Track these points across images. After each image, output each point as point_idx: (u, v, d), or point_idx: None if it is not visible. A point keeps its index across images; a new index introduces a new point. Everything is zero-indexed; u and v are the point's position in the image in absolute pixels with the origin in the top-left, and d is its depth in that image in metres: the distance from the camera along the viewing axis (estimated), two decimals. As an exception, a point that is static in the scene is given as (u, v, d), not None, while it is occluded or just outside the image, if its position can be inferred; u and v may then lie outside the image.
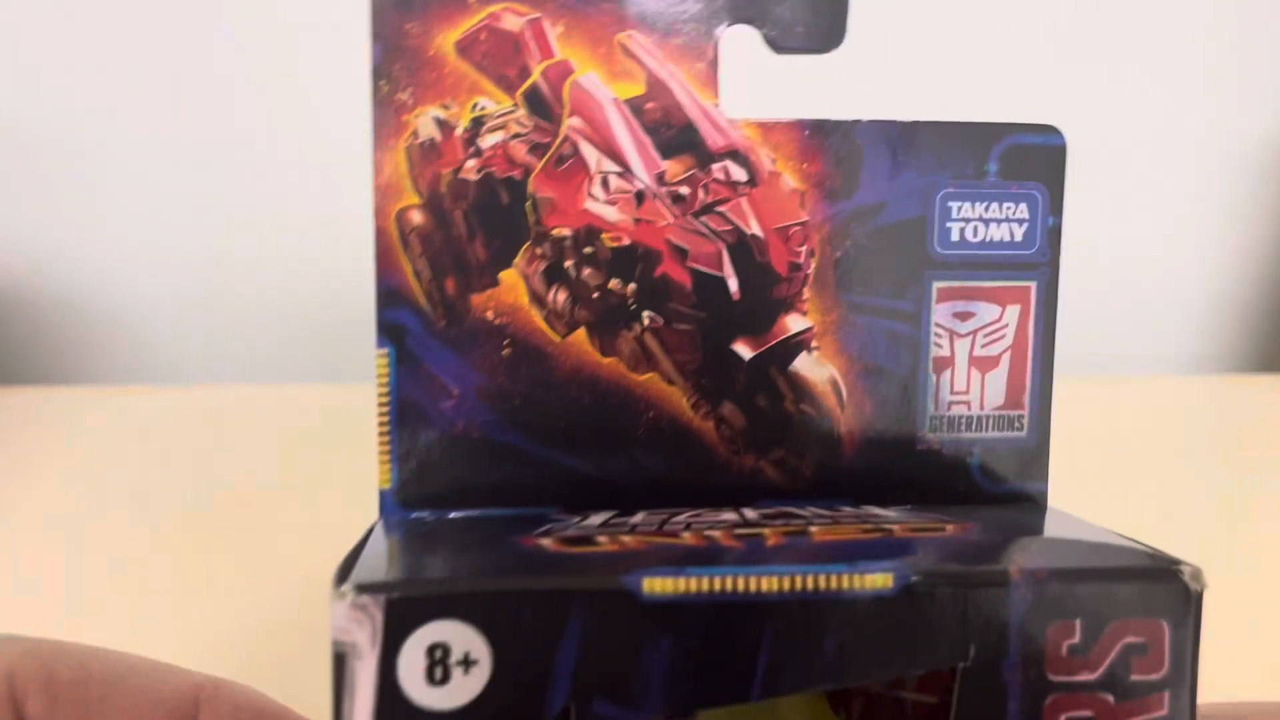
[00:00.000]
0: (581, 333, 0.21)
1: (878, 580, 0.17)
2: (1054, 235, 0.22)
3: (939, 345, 0.22)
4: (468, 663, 0.16)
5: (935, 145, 0.21)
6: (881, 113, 0.22)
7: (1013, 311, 0.22)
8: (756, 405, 0.22)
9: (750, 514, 0.20)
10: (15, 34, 0.53)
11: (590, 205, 0.21)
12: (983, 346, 0.22)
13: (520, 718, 0.16)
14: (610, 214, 0.21)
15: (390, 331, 0.21)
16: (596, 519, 0.20)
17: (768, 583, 0.16)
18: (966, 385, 0.22)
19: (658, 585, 0.16)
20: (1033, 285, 0.22)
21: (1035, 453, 0.23)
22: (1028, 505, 0.22)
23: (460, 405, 0.21)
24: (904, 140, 0.21)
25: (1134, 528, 0.40)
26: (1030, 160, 0.22)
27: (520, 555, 0.17)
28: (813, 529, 0.19)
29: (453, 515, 0.21)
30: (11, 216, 0.59)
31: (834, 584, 0.16)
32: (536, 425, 0.21)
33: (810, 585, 0.16)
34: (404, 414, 0.21)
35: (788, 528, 0.19)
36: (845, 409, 0.22)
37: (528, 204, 0.21)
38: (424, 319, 0.21)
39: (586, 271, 0.21)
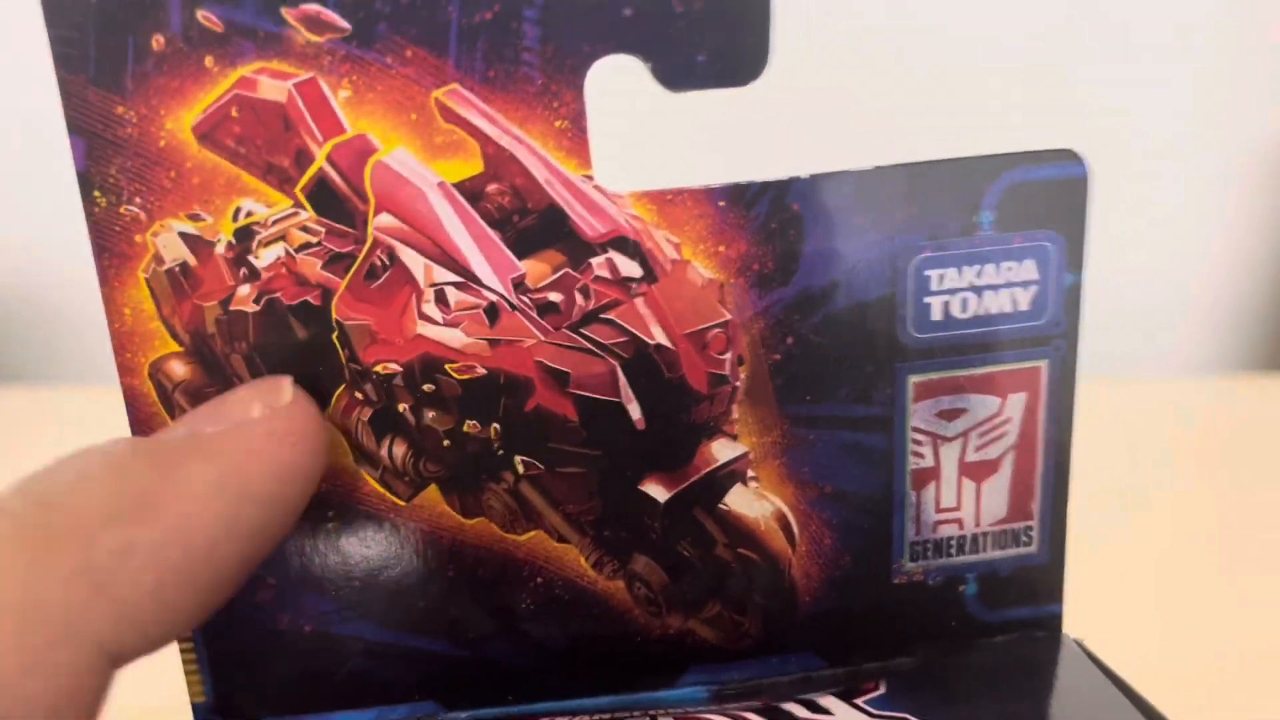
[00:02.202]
0: (433, 491, 0.17)
1: None
2: (1072, 298, 0.17)
3: (919, 455, 0.18)
4: None
5: (905, 196, 0.16)
6: (826, 162, 0.16)
7: (1016, 401, 0.18)
8: (680, 556, 0.18)
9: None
10: (15, 34, 0.48)
11: (424, 329, 0.16)
12: (977, 450, 0.18)
13: None
14: (453, 338, 0.16)
15: (169, 517, 0.16)
16: None
17: None
18: (957, 500, 0.18)
19: None
20: (1043, 365, 0.18)
21: (1048, 569, 0.19)
22: (1033, 647, 0.18)
23: (280, 597, 0.17)
24: (860, 195, 0.16)
25: (1134, 527, 0.39)
26: (1038, 201, 0.17)
27: None
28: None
29: None
30: (11, 215, 0.58)
31: None
32: (385, 610, 0.17)
33: None
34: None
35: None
36: (798, 548, 0.18)
37: (334, 335, 0.16)
38: (213, 497, 0.16)
39: (430, 415, 0.17)
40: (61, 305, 0.60)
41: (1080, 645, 0.19)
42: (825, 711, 0.18)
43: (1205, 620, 0.33)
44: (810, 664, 0.19)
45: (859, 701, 0.18)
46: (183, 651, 0.18)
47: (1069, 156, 0.17)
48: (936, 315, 0.18)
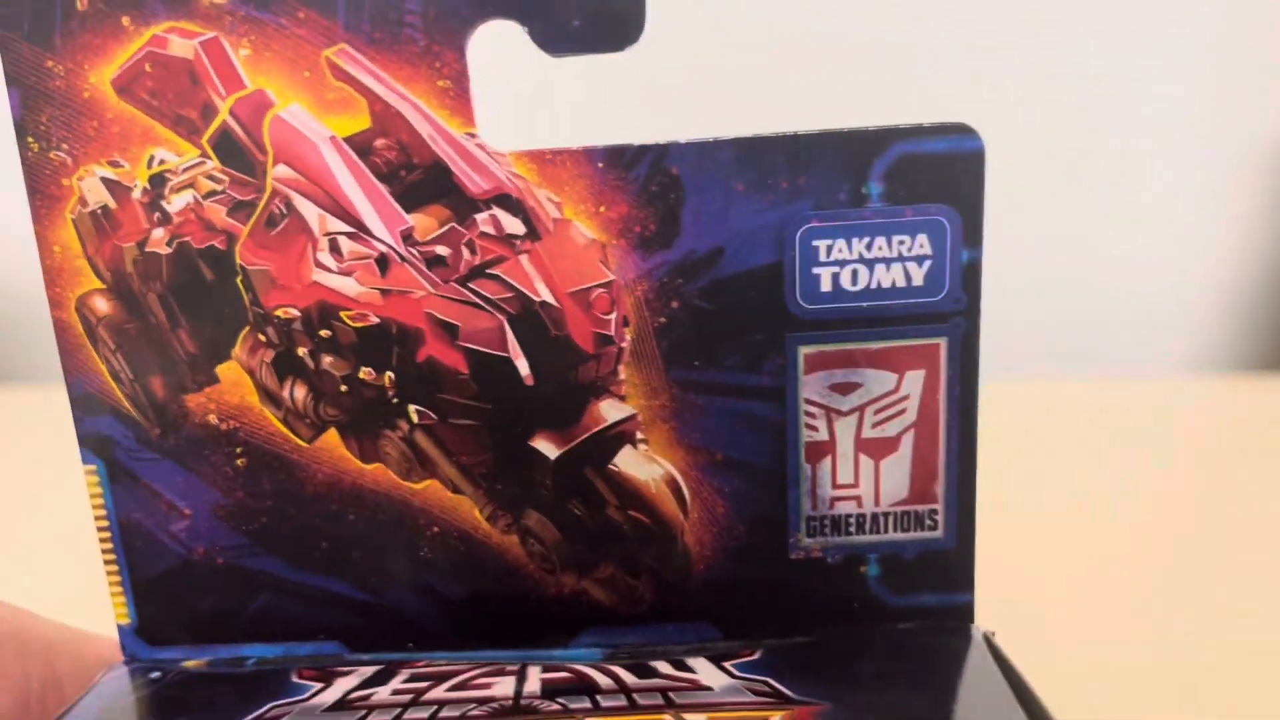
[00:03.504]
0: (332, 435, 0.18)
1: None
2: (971, 275, 0.17)
3: (813, 428, 0.18)
4: None
5: (788, 165, 0.17)
6: (706, 127, 0.17)
7: (914, 379, 0.18)
8: (571, 514, 0.18)
9: (533, 683, 0.17)
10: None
11: (320, 277, 0.17)
12: (874, 426, 0.18)
13: None
14: (348, 286, 0.17)
15: (94, 444, 0.18)
16: (337, 691, 0.17)
17: None
18: (855, 476, 0.18)
19: None
20: (942, 342, 0.18)
21: (955, 558, 0.19)
22: (935, 637, 0.18)
23: (195, 527, 0.19)
24: (741, 162, 0.17)
25: (1135, 527, 0.38)
26: (930, 175, 0.17)
27: None
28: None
29: (186, 673, 0.18)
30: (13, 216, 0.62)
31: None
32: (292, 549, 0.19)
33: None
34: (129, 539, 0.19)
35: (556, 721, 0.16)
36: (690, 514, 0.18)
37: (238, 279, 0.17)
38: (133, 428, 0.18)
39: (327, 360, 0.18)
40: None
41: (988, 640, 0.19)
42: (690, 670, 0.18)
43: (1205, 624, 0.32)
44: (706, 634, 0.20)
45: (727, 664, 0.18)
46: (109, 574, 0.20)
47: (963, 130, 0.17)
48: (826, 286, 0.18)
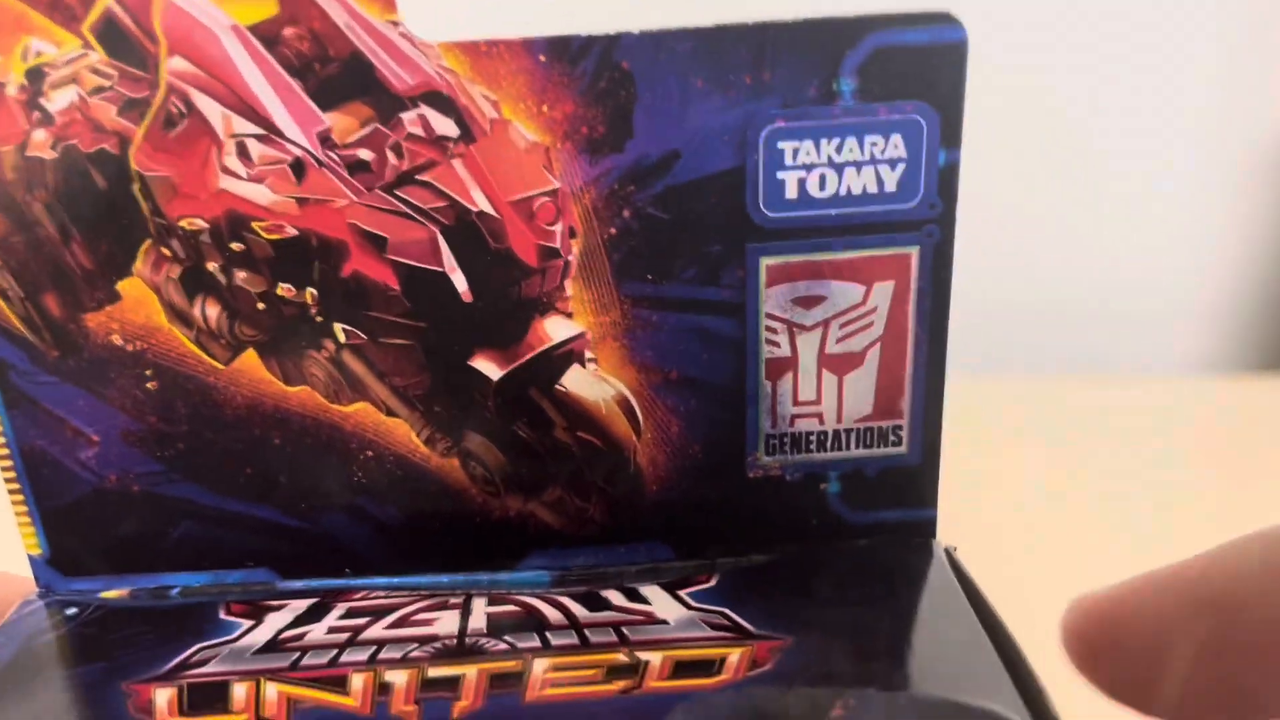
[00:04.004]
0: (251, 356, 0.17)
1: None
2: (948, 178, 0.16)
3: (774, 344, 0.17)
4: None
5: (753, 58, 0.15)
6: (661, 17, 0.15)
7: (882, 291, 0.17)
8: (516, 436, 0.17)
9: (478, 617, 0.16)
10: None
11: (228, 184, 0.15)
12: (838, 341, 0.17)
13: None
14: (259, 194, 0.15)
15: (-15, 368, 0.16)
16: (268, 628, 0.16)
17: None
18: (817, 393, 0.17)
19: None
20: (913, 252, 0.17)
21: (918, 472, 0.18)
22: (894, 553, 0.18)
23: (105, 454, 0.17)
24: (700, 55, 0.15)
25: (1135, 527, 0.39)
26: (907, 70, 0.15)
27: None
28: (538, 666, 0.15)
29: (107, 598, 0.17)
30: None
31: None
32: (214, 475, 0.17)
33: None
34: (33, 467, 0.17)
35: (505, 664, 0.15)
36: (643, 434, 0.17)
37: (135, 187, 0.15)
38: (27, 349, 0.16)
39: (241, 275, 0.16)
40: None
41: (949, 554, 0.18)
42: (644, 600, 0.17)
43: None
44: (659, 554, 0.19)
45: (682, 593, 0.17)
46: (14, 504, 0.18)
47: (945, 20, 0.16)
48: (791, 193, 0.16)
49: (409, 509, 0.18)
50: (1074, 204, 0.61)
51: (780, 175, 0.16)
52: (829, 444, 0.18)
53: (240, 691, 0.15)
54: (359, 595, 0.18)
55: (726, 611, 0.17)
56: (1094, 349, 0.63)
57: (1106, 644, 0.16)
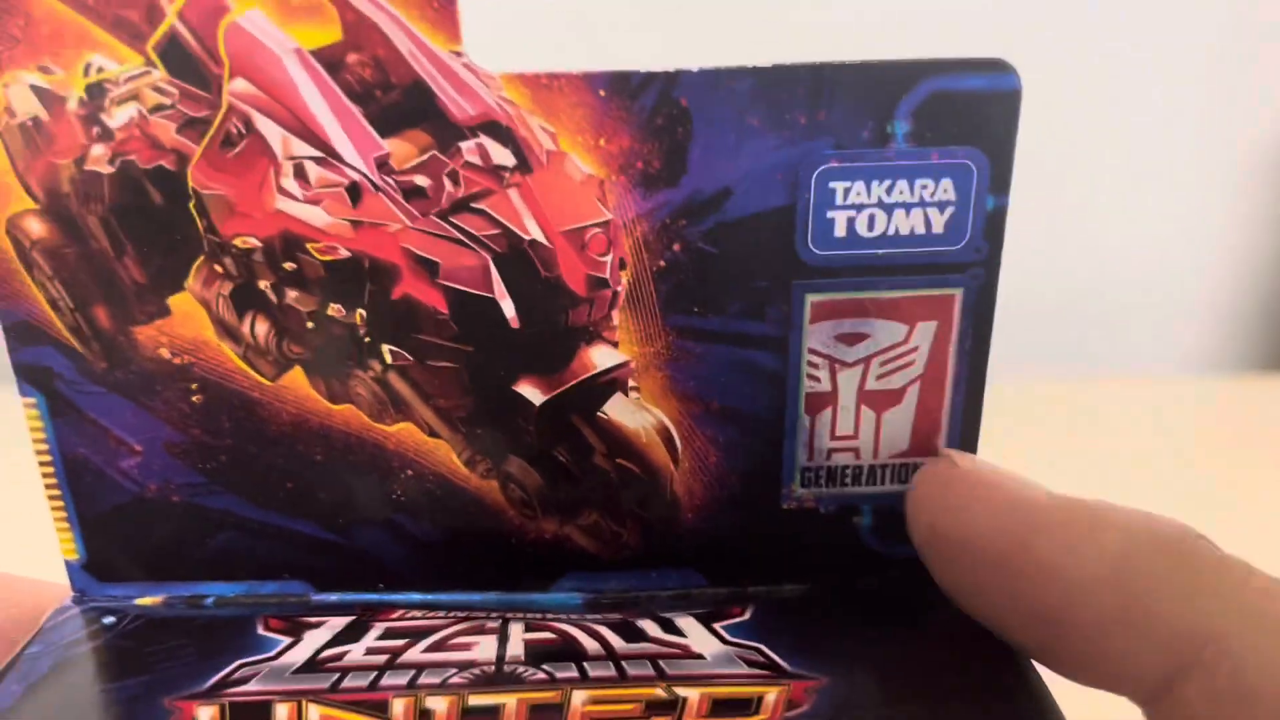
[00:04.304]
0: (298, 374, 0.17)
1: None
2: (995, 223, 0.16)
3: (815, 379, 0.17)
4: None
5: (810, 98, 0.15)
6: (719, 55, 0.15)
7: (925, 330, 0.17)
8: (555, 461, 0.17)
9: (515, 644, 0.16)
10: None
11: (284, 205, 0.15)
12: (879, 378, 0.17)
13: None
14: (315, 216, 0.16)
15: (32, 376, 0.17)
16: (307, 647, 0.16)
17: None
18: (854, 428, 0.18)
19: None
20: (958, 294, 0.17)
21: (951, 510, 0.18)
22: (933, 588, 0.18)
23: (147, 464, 0.17)
24: (758, 94, 0.15)
25: None
26: (961, 115, 0.16)
27: None
28: (578, 697, 0.15)
29: (142, 605, 0.18)
30: None
31: None
32: (254, 488, 0.17)
33: None
34: (75, 474, 0.17)
35: (545, 694, 0.15)
36: (681, 463, 0.17)
37: (191, 204, 0.16)
38: (75, 359, 0.17)
39: (292, 295, 0.16)
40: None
41: None
42: (679, 633, 0.17)
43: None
44: (691, 580, 0.19)
45: (718, 626, 0.17)
46: (53, 509, 0.18)
47: (1000, 67, 0.16)
48: (840, 231, 0.17)
49: (446, 527, 0.18)
50: (1074, 204, 0.60)
51: (830, 214, 0.16)
52: (864, 478, 0.18)
53: (282, 712, 0.15)
54: (396, 614, 0.18)
55: (761, 648, 0.17)
56: (1094, 349, 0.62)
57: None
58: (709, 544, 0.19)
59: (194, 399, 0.17)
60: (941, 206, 0.17)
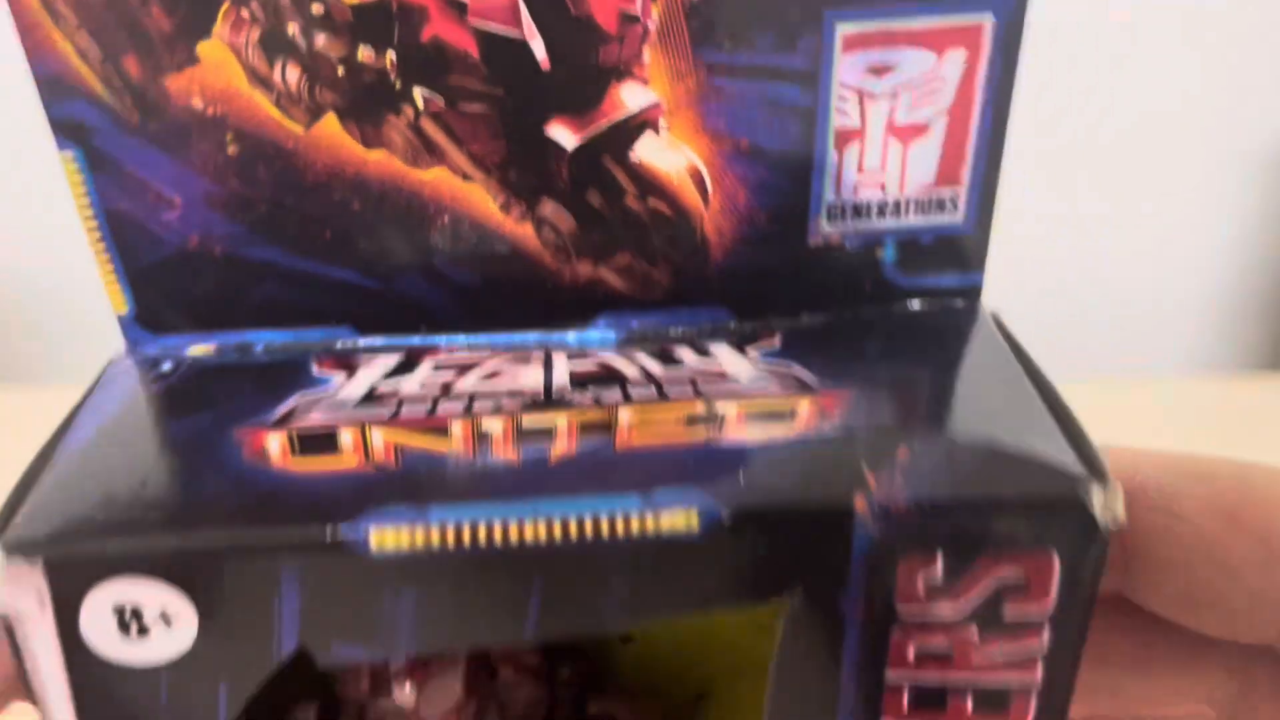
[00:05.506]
0: (331, 121, 0.17)
1: (678, 520, 0.14)
2: (1028, -55, 0.16)
3: (844, 112, 0.17)
4: (167, 618, 0.14)
5: None
6: None
7: (955, 59, 0.17)
8: (588, 203, 0.18)
9: (560, 373, 0.17)
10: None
11: (308, -56, 0.15)
12: (908, 110, 0.18)
13: (246, 666, 0.15)
14: (340, -44, 0.15)
15: (68, 130, 0.17)
16: (363, 380, 0.17)
17: (533, 529, 0.14)
18: (881, 162, 0.18)
19: (389, 538, 0.14)
20: (987, 22, 0.17)
21: (972, 241, 0.19)
22: (945, 315, 0.19)
23: (188, 216, 0.18)
24: None
25: None
26: None
27: (232, 478, 0.15)
28: (624, 417, 0.16)
29: (194, 354, 0.18)
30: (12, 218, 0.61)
31: (621, 528, 0.14)
32: (295, 237, 0.18)
33: (589, 531, 0.14)
34: (118, 228, 0.18)
35: (592, 415, 0.16)
36: (710, 203, 0.18)
37: (213, -54, 0.15)
38: (109, 112, 0.17)
39: (320, 39, 0.16)
40: (60, 305, 0.63)
41: (995, 318, 0.19)
42: (713, 358, 0.18)
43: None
44: (719, 317, 0.20)
45: (749, 350, 0.18)
46: (100, 264, 0.19)
47: None
48: (872, -42, 0.16)
49: (483, 271, 0.19)
50: (1074, 205, 0.60)
51: (862, -60, 0.16)
52: (889, 211, 0.19)
53: (348, 438, 0.16)
54: (442, 353, 0.19)
55: (793, 366, 0.18)
56: (1095, 349, 0.63)
57: None
58: (737, 282, 0.19)
59: (229, 150, 0.18)
60: (975, -71, 0.16)
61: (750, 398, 0.17)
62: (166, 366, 0.19)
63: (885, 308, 0.20)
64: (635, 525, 0.15)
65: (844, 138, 0.18)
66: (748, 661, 0.21)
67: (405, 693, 0.19)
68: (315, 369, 0.18)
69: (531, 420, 0.16)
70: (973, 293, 0.20)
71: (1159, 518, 0.17)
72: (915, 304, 0.20)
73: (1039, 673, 0.16)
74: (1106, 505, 0.15)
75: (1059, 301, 0.64)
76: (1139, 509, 0.17)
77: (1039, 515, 0.15)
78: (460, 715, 0.19)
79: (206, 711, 0.16)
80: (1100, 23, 0.57)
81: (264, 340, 0.19)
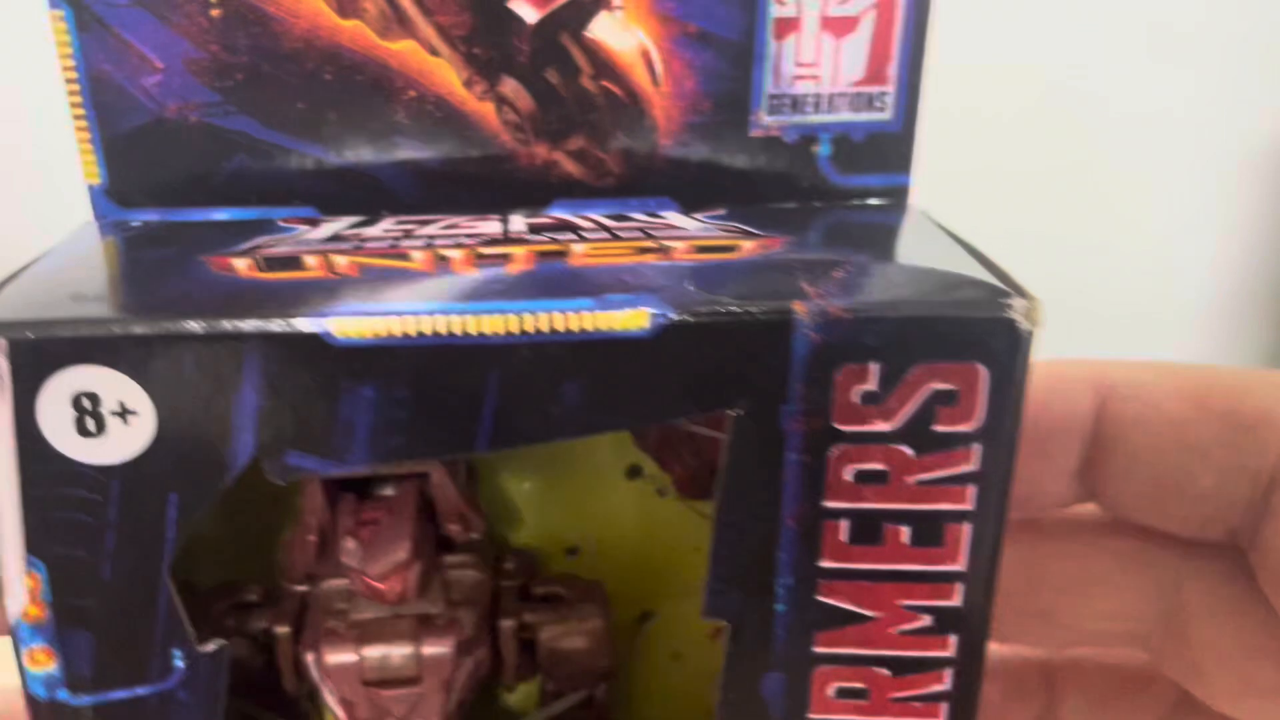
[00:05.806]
0: (310, -13, 0.18)
1: (630, 319, 0.15)
2: None
3: (782, 2, 0.19)
4: (125, 413, 0.15)
5: None
6: None
7: (881, -44, 0.19)
8: (546, 82, 0.19)
9: (517, 224, 0.18)
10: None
11: None
12: (839, 2, 0.19)
13: (199, 471, 0.15)
14: None
15: (59, -14, 0.18)
16: (326, 229, 0.18)
17: (490, 323, 0.15)
18: (816, 55, 0.20)
19: (351, 328, 0.15)
20: (910, -82, 0.19)
21: (899, 139, 0.20)
22: (879, 208, 0.20)
23: (167, 82, 0.19)
24: None
25: None
26: None
27: (197, 283, 0.16)
28: (577, 248, 0.17)
29: (167, 220, 0.19)
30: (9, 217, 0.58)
31: (574, 324, 0.15)
32: (267, 107, 0.19)
33: (544, 326, 0.15)
34: (99, 92, 0.19)
35: (547, 245, 0.17)
36: (659, 86, 0.19)
37: None
38: (100, -31, 0.18)
39: (306, -97, 0.18)
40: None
41: (927, 215, 0.21)
42: (661, 217, 0.19)
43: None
44: (666, 207, 0.21)
45: (697, 214, 0.19)
46: (78, 130, 0.20)
47: None
48: None
49: (445, 151, 0.20)
50: (1074, 204, 0.61)
51: None
52: (824, 106, 0.20)
53: (312, 260, 0.17)
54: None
55: (737, 224, 0.19)
56: (1094, 349, 0.64)
57: None
58: (683, 172, 0.21)
59: (213, 13, 0.19)
60: None
61: (697, 238, 0.18)
62: (136, 223, 0.19)
63: (821, 203, 0.21)
64: (589, 322, 0.15)
65: (783, 27, 0.20)
66: (691, 582, 0.21)
67: (351, 547, 0.19)
68: (280, 222, 0.19)
69: (489, 250, 0.17)
70: (900, 192, 0.21)
71: (1130, 407, 0.18)
72: (851, 202, 0.21)
73: (972, 500, 0.17)
74: (1028, 317, 0.16)
75: (1059, 301, 0.64)
76: (1111, 402, 0.18)
77: (968, 323, 0.16)
78: (405, 578, 0.19)
79: (154, 523, 0.16)
80: (1100, 23, 0.58)
81: (230, 217, 0.20)
